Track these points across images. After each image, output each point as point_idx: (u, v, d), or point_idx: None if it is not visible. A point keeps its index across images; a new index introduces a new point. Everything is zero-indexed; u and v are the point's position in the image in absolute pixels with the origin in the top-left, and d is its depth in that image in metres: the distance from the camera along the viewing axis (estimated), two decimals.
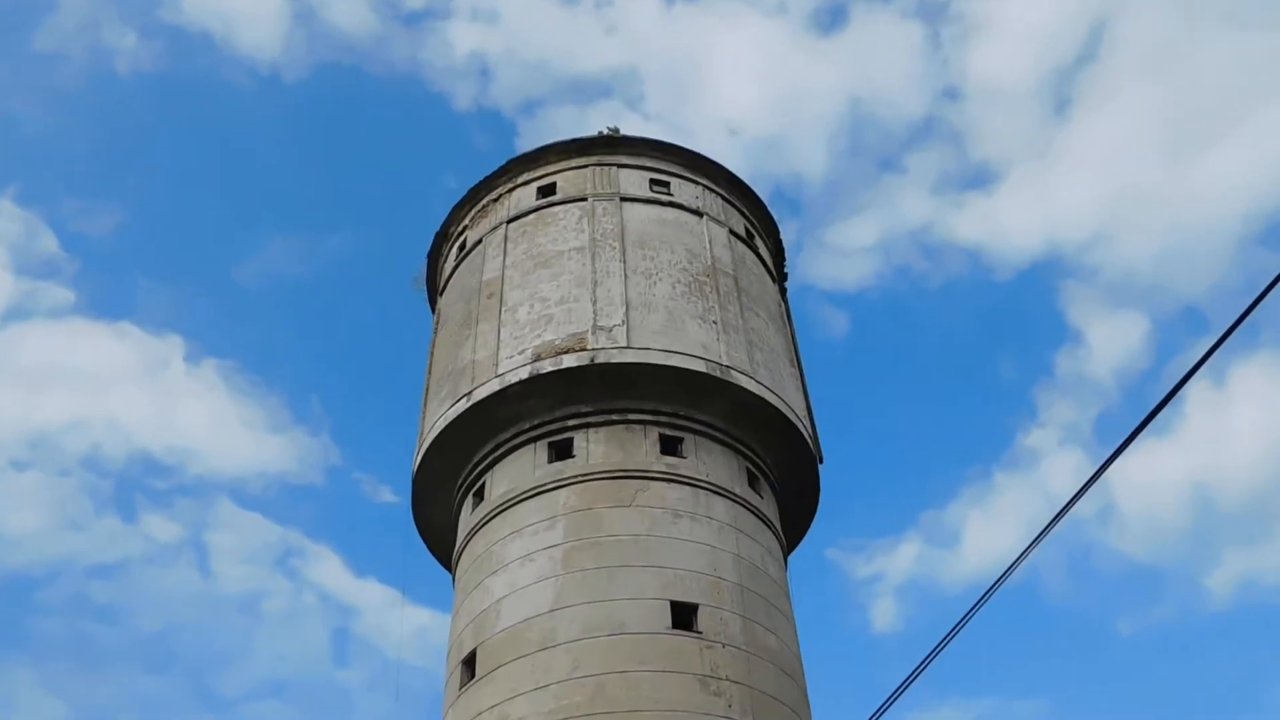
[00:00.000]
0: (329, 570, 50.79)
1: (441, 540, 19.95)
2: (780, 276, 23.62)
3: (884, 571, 51.84)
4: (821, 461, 19.47)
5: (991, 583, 9.54)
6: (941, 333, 55.61)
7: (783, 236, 23.92)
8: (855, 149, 56.62)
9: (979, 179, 56.57)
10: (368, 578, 56.59)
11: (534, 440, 17.45)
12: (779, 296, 22.48)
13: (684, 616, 15.18)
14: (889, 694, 10.96)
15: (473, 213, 22.53)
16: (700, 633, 14.99)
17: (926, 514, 52.91)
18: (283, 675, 48.35)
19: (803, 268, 53.56)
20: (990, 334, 55.99)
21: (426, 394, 20.10)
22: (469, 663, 15.80)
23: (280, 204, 57.48)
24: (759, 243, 22.76)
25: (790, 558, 19.80)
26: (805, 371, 21.38)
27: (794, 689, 15.78)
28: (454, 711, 15.62)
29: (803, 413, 19.43)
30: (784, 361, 19.95)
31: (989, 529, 50.54)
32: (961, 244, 55.44)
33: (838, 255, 54.79)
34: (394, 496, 48.98)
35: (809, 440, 18.97)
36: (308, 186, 58.59)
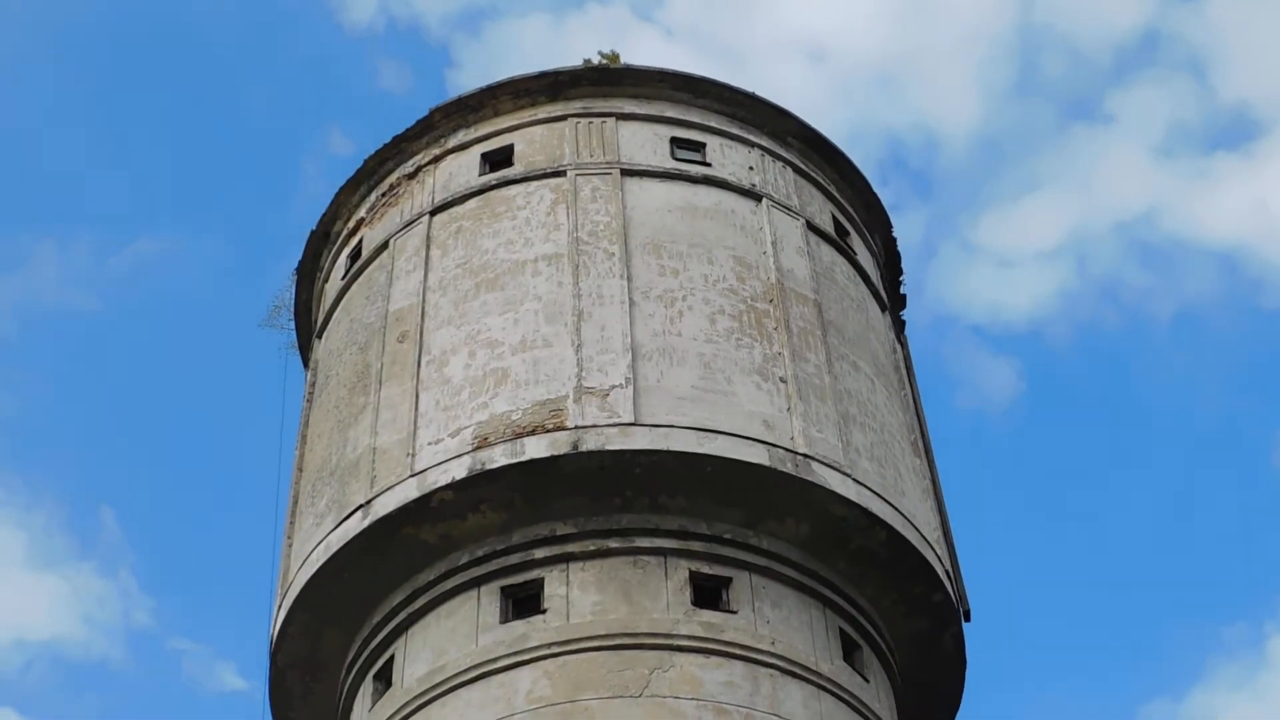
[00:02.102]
0: None
1: None
2: (896, 302, 23.59)
3: None
4: (968, 619, 19.36)
5: None
6: (1177, 396, 55.62)
7: (900, 235, 23.99)
8: (1026, 87, 57.00)
9: (1235, 133, 56.94)
10: None
11: (478, 584, 17.40)
12: (893, 336, 22.44)
13: None
14: None
15: (373, 198, 22.63)
16: None
17: (1154, 706, 52.49)
18: None
19: (936, 286, 53.74)
20: (1261, 396, 55.99)
21: (294, 507, 20.09)
22: None
23: (51, 191, 58.02)
24: (858, 245, 22.77)
25: None
26: (939, 467, 21.28)
27: None
28: None
29: (935, 535, 19.36)
30: (902, 447, 19.90)
31: None
32: (1208, 244, 55.69)
33: (997, 265, 54.95)
34: (241, 681, 48.85)
35: (946, 583, 18.85)
36: (95, 160, 59.20)
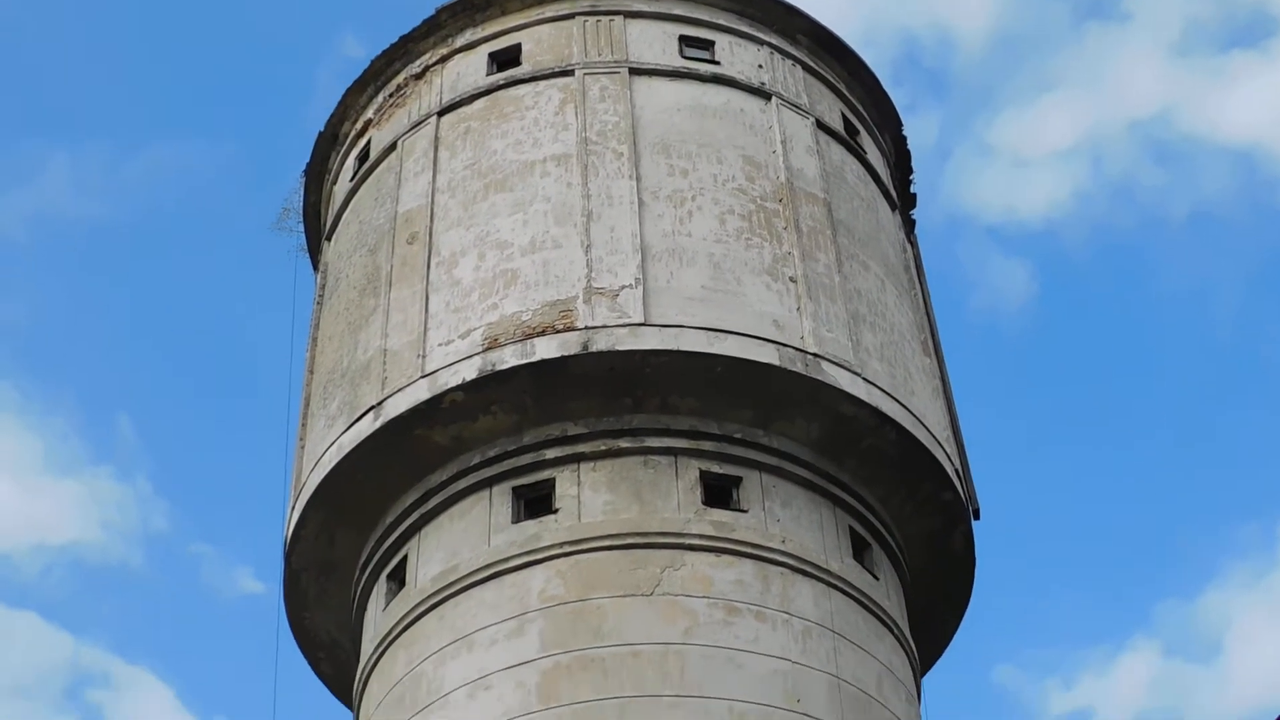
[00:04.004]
0: (151, 710, 51.10)
1: (335, 656, 19.92)
2: (906, 201, 23.49)
3: (1094, 704, 51.82)
4: (978, 518, 19.47)
5: None
6: (1192, 297, 55.47)
7: (914, 136, 23.84)
8: None
9: (1253, 31, 56.32)
10: None
11: (489, 484, 17.52)
12: (903, 236, 22.37)
13: None
14: None
15: (380, 99, 22.49)
16: None
17: (1165, 607, 52.81)
18: None
19: (949, 187, 53.48)
20: (1277, 295, 55.80)
21: (306, 409, 20.17)
22: None
23: (62, 99, 57.71)
24: (867, 144, 22.63)
25: (927, 680, 19.71)
26: (950, 368, 21.29)
27: None
28: None
29: (944, 434, 19.41)
30: (912, 347, 19.92)
31: (1273, 632, 50.34)
32: (1224, 143, 55.25)
33: (1012, 166, 54.59)
34: (257, 584, 49.26)
35: (956, 481, 18.93)
36: (107, 67, 58.81)
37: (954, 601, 20.07)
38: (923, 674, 19.00)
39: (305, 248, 24.32)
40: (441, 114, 20.92)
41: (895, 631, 17.72)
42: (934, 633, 20.11)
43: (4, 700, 48.95)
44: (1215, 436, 52.92)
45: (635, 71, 20.53)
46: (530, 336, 17.57)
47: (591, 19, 21.28)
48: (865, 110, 23.11)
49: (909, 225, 23.29)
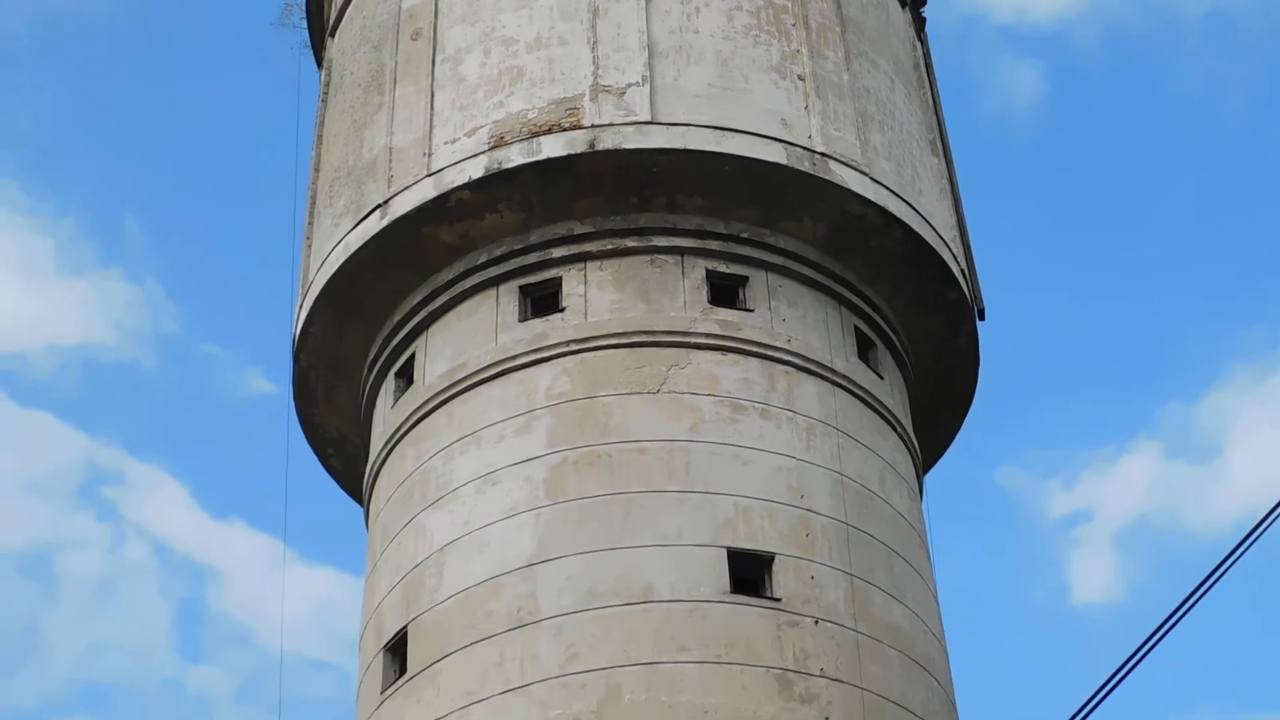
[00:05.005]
0: (165, 507, 51.87)
1: (345, 452, 20.17)
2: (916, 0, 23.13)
3: (1095, 505, 52.44)
4: (983, 318, 19.51)
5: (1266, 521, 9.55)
6: (1204, 100, 54.83)
7: None
8: None
9: None
10: (229, 518, 57.68)
11: (496, 283, 17.57)
12: (913, 34, 22.07)
13: (750, 575, 15.41)
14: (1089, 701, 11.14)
15: None
16: (778, 600, 15.26)
17: (1168, 409, 53.15)
18: (98, 677, 49.94)
19: None
20: None
21: (312, 208, 20.14)
22: (396, 651, 16.10)
23: None
24: None
25: (930, 478, 19.96)
26: (958, 167, 21.16)
27: (933, 693, 16.07)
28: None
29: (951, 234, 19.38)
30: (920, 146, 19.80)
31: (1274, 433, 50.68)
32: None
33: None
34: (268, 383, 49.67)
35: (961, 281, 18.95)
36: None
37: (957, 402, 20.24)
38: (925, 472, 19.24)
39: (309, 45, 23.98)
40: None
41: (898, 430, 17.92)
42: (937, 433, 20.32)
43: (21, 497, 49.75)
44: (1222, 240, 52.80)
45: None
46: (536, 135, 17.46)
47: None
48: None
49: (919, 23, 22.93)
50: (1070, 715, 11.54)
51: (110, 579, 50.87)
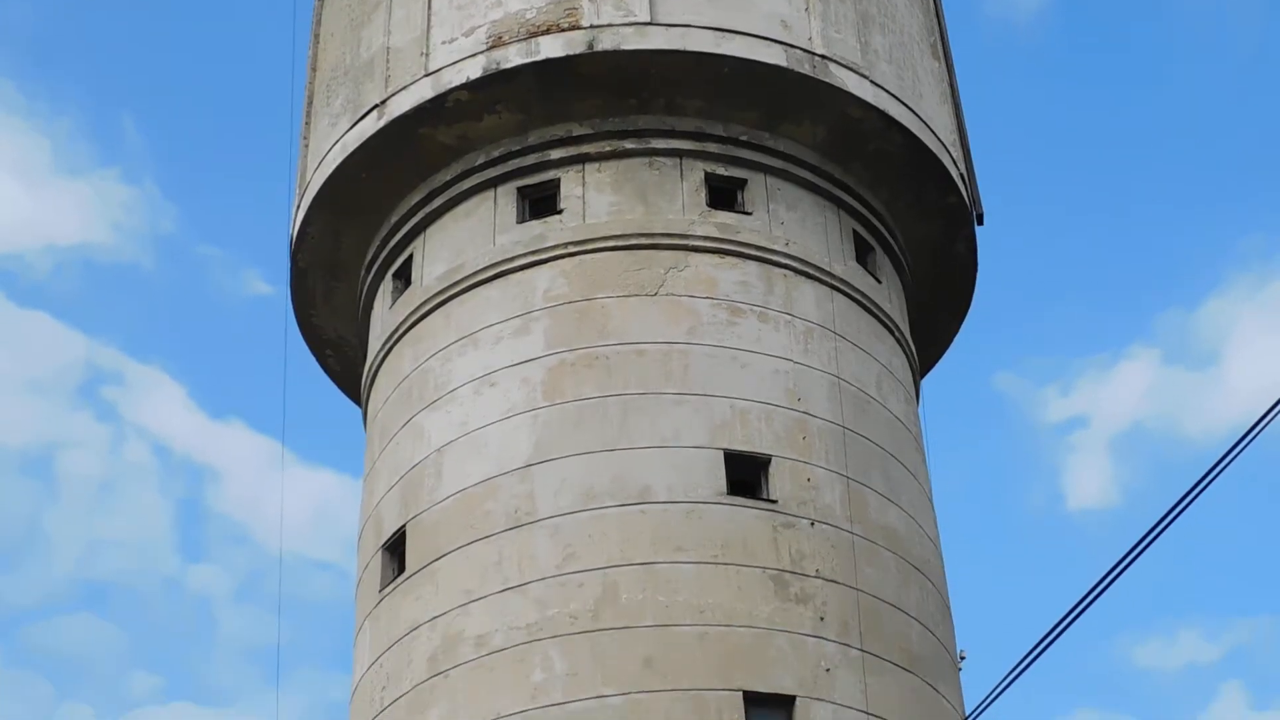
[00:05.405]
0: (164, 407, 51.92)
1: (343, 353, 20.19)
2: None
3: (1091, 411, 52.45)
4: (981, 223, 19.47)
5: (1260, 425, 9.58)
6: (1208, 7, 54.35)
7: None
8: None
9: None
10: (228, 419, 57.73)
11: (494, 184, 17.51)
12: None
13: (747, 476, 15.52)
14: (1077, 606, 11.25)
15: None
16: (774, 502, 15.37)
17: (1165, 316, 53.15)
18: (99, 575, 50.26)
19: None
20: None
21: (309, 108, 19.99)
22: (394, 549, 16.28)
23: None
24: None
25: (927, 383, 20.00)
26: (958, 71, 21.00)
27: (928, 594, 16.22)
28: (372, 625, 16.19)
29: (951, 139, 19.29)
30: (921, 49, 19.64)
31: (1271, 340, 50.74)
32: None
33: None
34: (266, 285, 49.59)
35: (960, 186, 18.88)
36: None
37: (955, 306, 20.21)
38: (922, 377, 19.27)
39: None
40: None
41: (896, 334, 17.94)
42: (934, 337, 20.31)
43: (21, 396, 49.76)
44: (1223, 147, 52.50)
45: None
46: (535, 35, 17.28)
47: None
48: None
49: None
50: (1062, 616, 11.70)
51: (110, 478, 51.07)
